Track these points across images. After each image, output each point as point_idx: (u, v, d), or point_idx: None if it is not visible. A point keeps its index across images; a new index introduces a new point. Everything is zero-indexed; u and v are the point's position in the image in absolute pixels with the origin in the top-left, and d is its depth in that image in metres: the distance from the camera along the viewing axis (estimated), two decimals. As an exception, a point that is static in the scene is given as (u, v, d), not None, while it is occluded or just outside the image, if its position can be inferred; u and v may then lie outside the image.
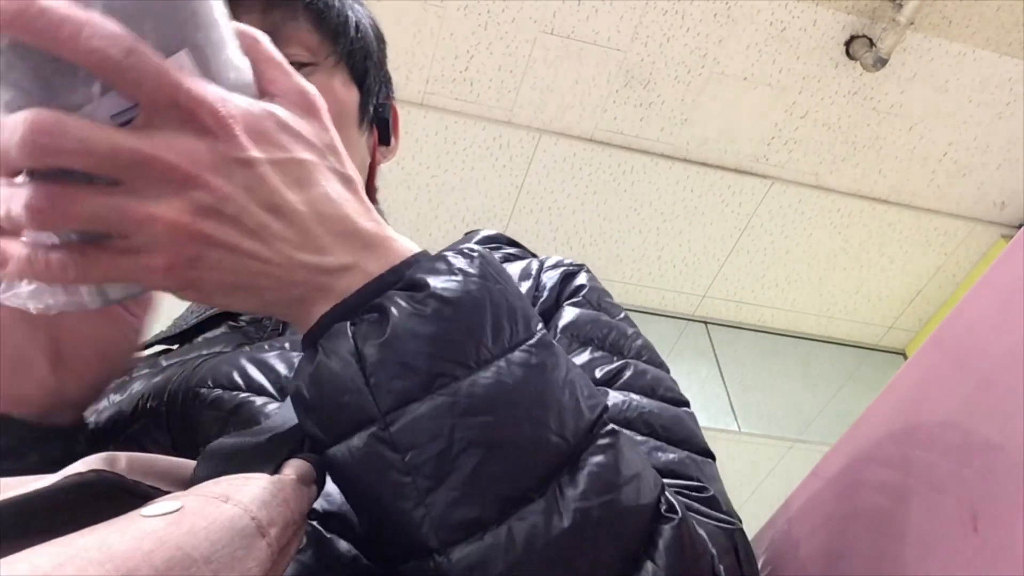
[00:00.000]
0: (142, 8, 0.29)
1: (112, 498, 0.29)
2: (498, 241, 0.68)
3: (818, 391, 2.95)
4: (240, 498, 0.29)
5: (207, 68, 0.31)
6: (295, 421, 0.37)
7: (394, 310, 0.33)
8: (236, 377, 0.49)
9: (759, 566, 0.58)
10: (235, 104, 0.31)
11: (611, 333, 0.54)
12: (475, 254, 0.36)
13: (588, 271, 0.62)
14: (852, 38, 2.27)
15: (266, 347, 0.53)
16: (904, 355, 3.15)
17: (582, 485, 0.33)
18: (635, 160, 2.51)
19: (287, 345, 0.52)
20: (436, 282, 0.33)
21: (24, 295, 0.32)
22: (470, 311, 0.34)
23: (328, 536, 0.40)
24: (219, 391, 0.48)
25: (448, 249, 0.37)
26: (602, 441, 0.35)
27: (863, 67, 2.28)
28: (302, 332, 0.35)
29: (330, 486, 0.40)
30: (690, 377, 2.83)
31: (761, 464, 2.89)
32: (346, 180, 0.36)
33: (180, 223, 0.30)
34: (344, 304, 0.34)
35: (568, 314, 0.56)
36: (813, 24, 2.23)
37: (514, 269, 0.61)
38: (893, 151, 2.53)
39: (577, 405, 0.35)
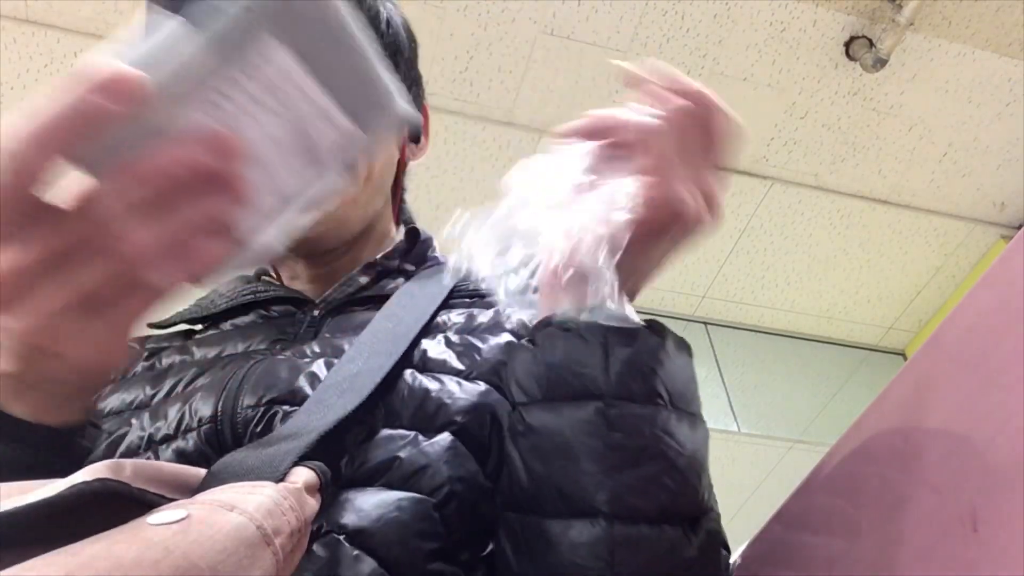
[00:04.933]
0: None
1: (117, 506, 0.29)
2: None
3: (818, 391, 2.95)
4: (246, 507, 0.29)
5: None
6: (304, 430, 0.40)
7: (648, 339, 0.43)
8: (292, 393, 0.49)
9: (758, 567, 0.58)
10: None
11: None
12: None
13: None
14: (852, 39, 2.27)
15: (308, 352, 0.52)
16: (904, 355, 3.15)
17: (701, 535, 0.42)
18: (635, 160, 2.51)
19: (328, 350, 0.53)
20: (675, 342, 0.45)
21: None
22: (686, 373, 0.45)
23: (353, 552, 0.41)
24: (276, 407, 0.48)
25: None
26: (712, 515, 0.44)
27: (863, 67, 2.28)
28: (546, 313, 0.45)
29: (364, 504, 0.43)
30: (690, 377, 2.83)
31: (761, 464, 2.89)
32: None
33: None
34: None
35: None
36: (813, 25, 2.24)
37: None
38: (893, 151, 2.54)
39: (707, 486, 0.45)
